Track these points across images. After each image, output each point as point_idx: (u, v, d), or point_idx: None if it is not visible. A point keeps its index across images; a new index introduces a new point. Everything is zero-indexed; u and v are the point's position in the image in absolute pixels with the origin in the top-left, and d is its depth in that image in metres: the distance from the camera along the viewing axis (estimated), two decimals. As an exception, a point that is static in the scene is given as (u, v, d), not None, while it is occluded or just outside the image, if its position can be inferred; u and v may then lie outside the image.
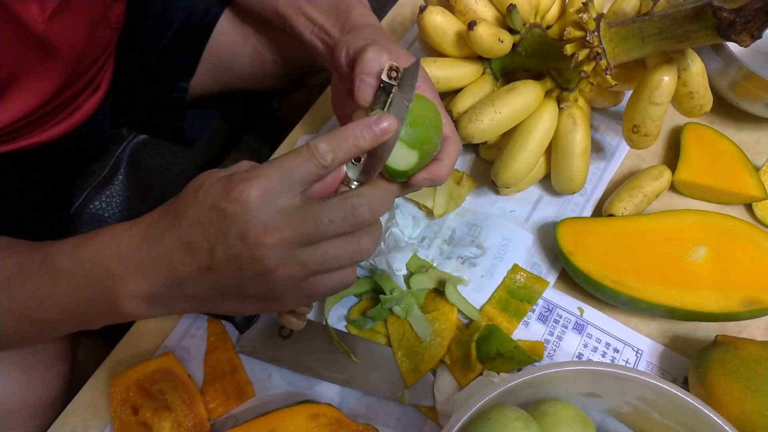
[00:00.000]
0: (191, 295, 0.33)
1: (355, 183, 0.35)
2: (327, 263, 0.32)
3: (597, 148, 0.60)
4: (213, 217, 0.31)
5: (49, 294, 0.35)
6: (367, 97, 0.37)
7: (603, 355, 0.51)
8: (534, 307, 0.53)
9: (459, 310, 0.51)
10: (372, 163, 0.35)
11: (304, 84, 0.85)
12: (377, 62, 0.37)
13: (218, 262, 0.31)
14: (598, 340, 0.52)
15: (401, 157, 0.35)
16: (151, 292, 0.33)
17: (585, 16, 0.46)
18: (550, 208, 0.57)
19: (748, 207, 0.58)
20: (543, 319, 0.52)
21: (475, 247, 0.54)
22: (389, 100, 0.36)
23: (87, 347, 0.64)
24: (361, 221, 0.32)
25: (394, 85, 0.36)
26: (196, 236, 0.31)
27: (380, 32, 0.45)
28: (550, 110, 0.51)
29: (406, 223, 0.54)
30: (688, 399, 0.36)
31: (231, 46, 0.69)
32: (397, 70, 0.36)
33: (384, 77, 0.36)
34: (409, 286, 0.52)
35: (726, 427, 0.36)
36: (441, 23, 0.51)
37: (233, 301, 0.33)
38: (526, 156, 0.51)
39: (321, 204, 0.32)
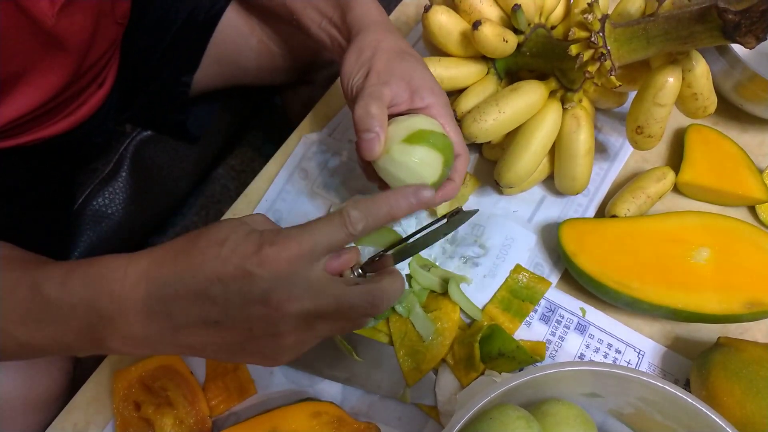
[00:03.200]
0: (184, 343, 0.32)
1: (359, 270, 0.36)
2: (333, 332, 0.34)
3: (600, 149, 0.60)
4: (237, 275, 0.30)
5: (36, 320, 0.34)
6: (372, 154, 0.40)
7: (605, 356, 0.51)
8: (536, 307, 0.53)
9: (461, 310, 0.51)
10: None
11: (308, 79, 0.85)
12: (366, 121, 0.40)
13: (229, 320, 0.31)
14: (600, 341, 0.52)
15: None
16: (141, 334, 0.32)
17: (590, 17, 0.46)
18: (553, 209, 0.57)
19: (752, 209, 0.58)
20: (545, 319, 0.52)
21: (477, 246, 0.55)
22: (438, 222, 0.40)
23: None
24: (376, 313, 0.33)
25: (446, 218, 0.40)
26: (212, 290, 0.30)
27: (380, 34, 0.45)
28: (554, 110, 0.51)
29: (408, 222, 0.54)
30: (690, 400, 0.36)
31: (236, 39, 0.69)
32: (458, 210, 0.40)
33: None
34: (411, 286, 0.52)
35: (728, 429, 0.36)
36: (446, 23, 0.51)
37: (227, 355, 0.33)
38: (530, 156, 0.51)
39: (346, 289, 0.32)
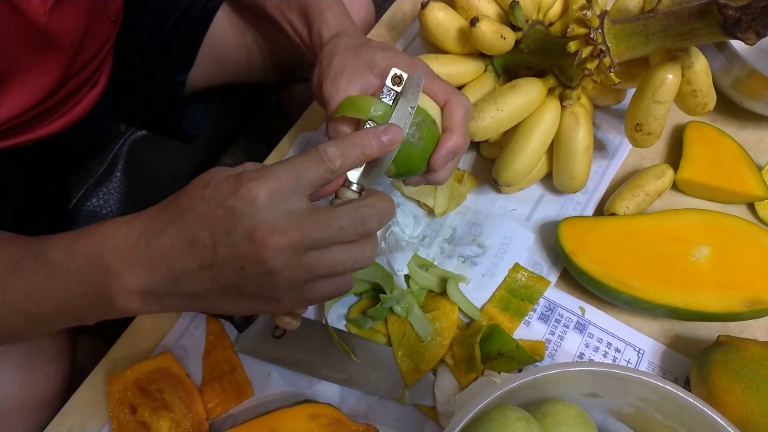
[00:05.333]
0: (188, 292, 0.32)
1: (355, 185, 0.36)
2: (331, 268, 0.32)
3: (599, 147, 0.60)
4: (219, 213, 0.31)
5: (43, 288, 0.34)
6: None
7: (604, 355, 0.51)
8: (535, 306, 0.52)
9: (460, 310, 0.51)
10: (372, 168, 0.36)
11: (304, 78, 0.85)
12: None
13: (220, 260, 0.31)
14: (600, 340, 0.51)
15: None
16: (147, 287, 0.32)
17: (589, 13, 0.45)
18: (552, 207, 0.57)
19: (751, 206, 0.58)
20: (544, 318, 0.52)
21: (476, 245, 0.54)
22: (392, 104, 0.37)
23: (85, 346, 0.63)
24: (369, 230, 0.32)
25: (397, 92, 0.37)
26: (200, 233, 0.31)
27: (334, 41, 0.45)
28: (552, 108, 0.50)
29: (406, 222, 0.54)
30: (690, 399, 0.36)
31: (230, 37, 0.68)
32: (400, 77, 0.37)
33: (388, 83, 0.37)
34: (409, 286, 0.52)
35: (728, 428, 0.36)
36: (443, 20, 0.50)
37: (231, 300, 0.33)
38: (528, 154, 0.51)
39: (332, 210, 0.32)
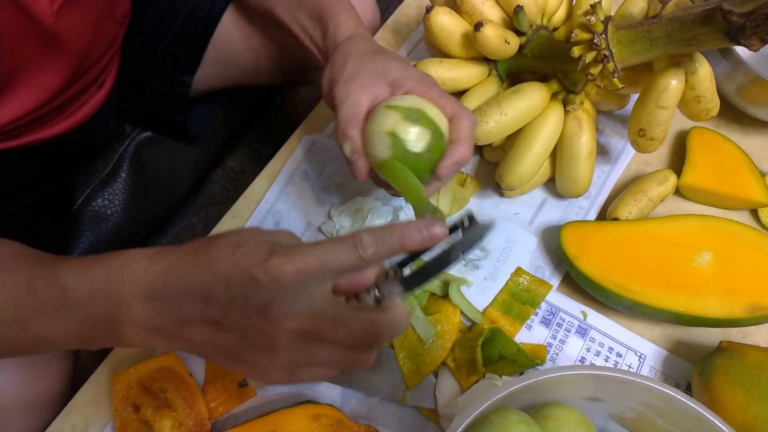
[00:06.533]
0: (187, 338, 0.33)
1: (376, 293, 0.34)
2: (328, 362, 0.33)
3: (602, 152, 0.60)
4: (243, 279, 0.31)
5: (54, 311, 0.34)
6: (360, 176, 0.43)
7: (606, 360, 0.51)
8: (537, 310, 0.52)
9: (462, 313, 0.51)
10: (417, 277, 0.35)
11: (308, 80, 0.85)
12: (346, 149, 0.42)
13: (228, 322, 0.31)
14: (601, 345, 0.51)
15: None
16: (153, 322, 0.33)
17: (593, 19, 0.45)
18: (555, 211, 0.57)
19: (754, 213, 0.58)
20: (546, 322, 0.52)
21: (478, 249, 0.54)
22: (452, 236, 0.35)
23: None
24: (376, 344, 0.33)
25: (464, 229, 0.36)
26: (217, 289, 0.31)
27: (350, 45, 0.45)
28: (555, 113, 0.51)
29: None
30: (692, 405, 0.36)
31: (236, 40, 0.69)
32: (471, 219, 0.36)
33: (464, 221, 0.36)
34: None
35: (729, 434, 0.36)
36: (447, 24, 0.51)
37: (224, 359, 0.33)
38: (531, 158, 0.51)
39: (349, 312, 0.32)
